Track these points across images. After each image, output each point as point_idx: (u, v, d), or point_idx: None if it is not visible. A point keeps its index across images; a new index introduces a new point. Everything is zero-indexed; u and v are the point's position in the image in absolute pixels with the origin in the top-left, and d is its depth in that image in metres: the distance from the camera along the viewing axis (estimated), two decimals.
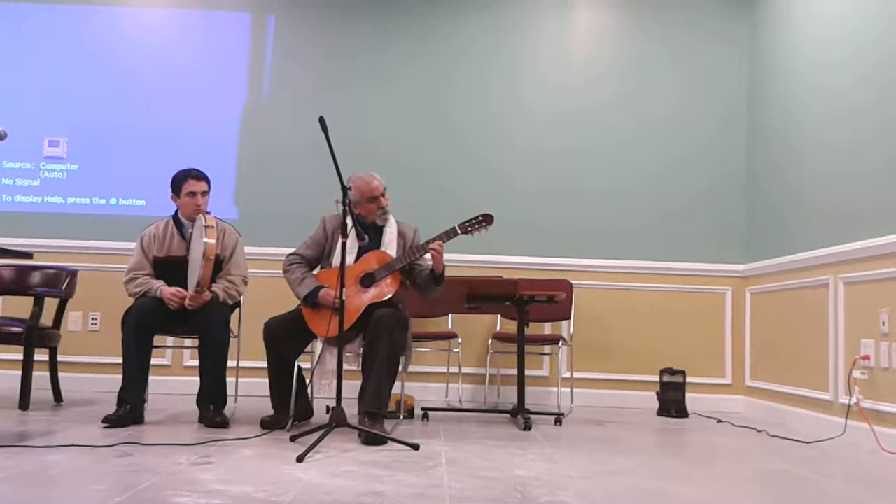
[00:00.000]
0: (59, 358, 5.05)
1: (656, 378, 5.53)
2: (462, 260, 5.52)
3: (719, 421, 5.15)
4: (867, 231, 4.30)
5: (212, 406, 4.14)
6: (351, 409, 3.85)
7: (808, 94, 5.10)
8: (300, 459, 3.18)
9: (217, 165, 5.69)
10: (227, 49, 6.10)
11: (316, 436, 3.47)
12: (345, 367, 3.76)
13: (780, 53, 5.56)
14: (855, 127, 4.52)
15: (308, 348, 4.27)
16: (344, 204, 3.80)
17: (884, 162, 4.21)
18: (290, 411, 4.15)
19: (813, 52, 5.08)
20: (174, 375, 5.64)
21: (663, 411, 5.42)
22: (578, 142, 6.06)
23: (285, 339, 4.13)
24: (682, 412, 5.37)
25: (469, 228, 4.16)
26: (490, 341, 5.66)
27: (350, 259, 4.15)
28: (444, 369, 5.78)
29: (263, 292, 5.23)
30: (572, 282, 5.78)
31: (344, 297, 3.72)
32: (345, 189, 3.80)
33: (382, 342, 3.92)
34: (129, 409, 4.03)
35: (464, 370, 5.75)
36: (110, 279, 5.23)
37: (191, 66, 6.06)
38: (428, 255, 4.14)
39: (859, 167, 4.45)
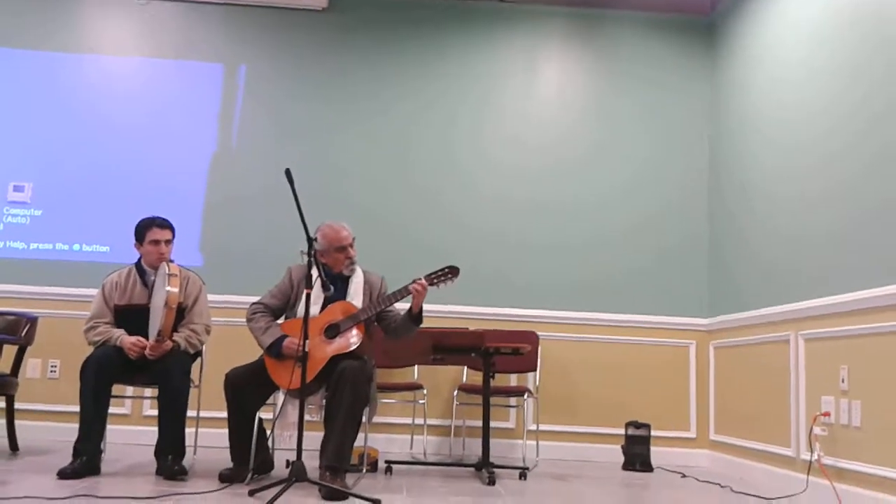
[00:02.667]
0: (17, 405, 4.95)
1: (622, 431, 5.52)
2: (428, 310, 5.48)
3: (683, 476, 5.15)
4: (827, 288, 4.36)
5: (170, 458, 4.06)
6: (313, 462, 3.80)
7: (767, 153, 5.20)
8: None
9: (183, 212, 5.69)
10: (198, 98, 6.11)
11: (275, 490, 3.41)
12: (307, 418, 3.72)
13: (739, 112, 5.68)
14: (813, 185, 4.61)
15: (270, 399, 4.22)
16: (309, 255, 3.80)
17: (841, 220, 4.29)
18: (249, 464, 4.07)
19: (771, 112, 5.19)
20: (133, 425, 5.53)
21: (628, 465, 5.40)
22: (546, 195, 6.12)
23: (247, 389, 4.07)
24: (646, 466, 5.36)
25: (435, 280, 4.18)
26: (456, 392, 5.63)
27: (315, 310, 4.13)
28: (409, 420, 5.73)
29: (226, 340, 5.17)
30: (539, 333, 5.78)
31: (307, 348, 3.69)
32: (310, 240, 3.80)
33: (345, 394, 3.89)
34: (85, 461, 3.95)
35: (429, 422, 5.71)
36: (71, 326, 5.13)
37: (161, 113, 6.06)
38: (398, 305, 4.14)
39: (817, 225, 4.53)
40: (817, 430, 4.29)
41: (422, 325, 4.30)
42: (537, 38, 6.32)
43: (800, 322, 4.62)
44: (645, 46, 6.31)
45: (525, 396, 5.55)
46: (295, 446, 3.67)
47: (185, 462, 4.15)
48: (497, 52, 6.29)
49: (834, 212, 4.38)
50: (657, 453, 5.52)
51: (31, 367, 5.57)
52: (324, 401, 4.08)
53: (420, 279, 4.15)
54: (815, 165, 4.61)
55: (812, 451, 4.30)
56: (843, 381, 4.16)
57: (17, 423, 4.89)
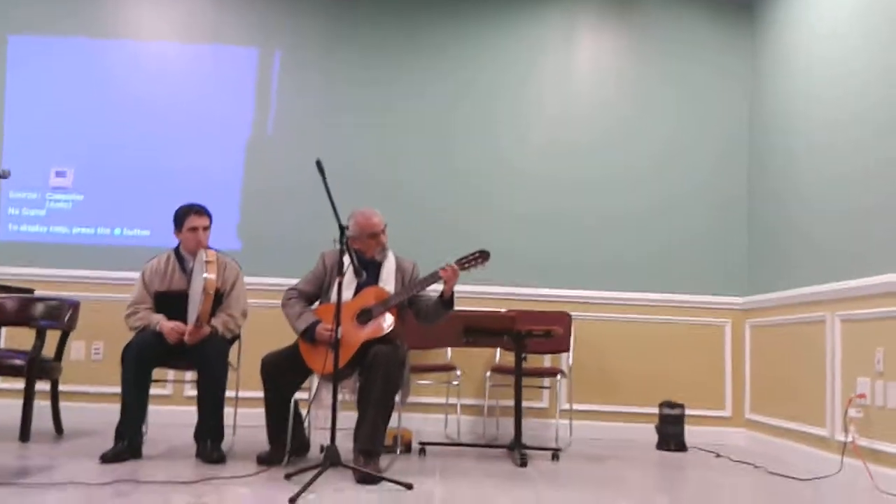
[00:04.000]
0: (61, 387, 5.09)
1: (656, 410, 5.53)
2: (460, 291, 5.49)
3: (718, 455, 5.14)
4: (864, 269, 4.31)
5: (209, 441, 4.16)
6: (348, 444, 3.86)
7: (808, 129, 5.12)
8: (293, 501, 3.20)
9: (221, 197, 5.78)
10: (235, 83, 6.16)
11: (311, 474, 3.49)
12: (341, 398, 3.79)
13: (780, 87, 5.59)
14: (855, 163, 4.54)
15: (306, 382, 4.30)
16: (341, 243, 3.84)
17: (883, 200, 4.22)
18: (286, 447, 4.17)
19: (812, 89, 5.11)
20: (175, 405, 5.65)
21: (662, 445, 5.41)
22: (580, 173, 6.10)
23: (282, 374, 4.16)
24: (681, 446, 5.37)
25: (465, 265, 4.19)
26: (489, 374, 5.67)
27: (348, 294, 4.17)
28: (443, 401, 5.78)
29: (264, 322, 5.24)
30: (571, 313, 5.78)
31: (340, 335, 3.75)
32: (342, 228, 3.84)
33: (378, 379, 3.94)
34: (127, 444, 4.07)
35: (463, 402, 5.75)
36: (114, 309, 5.22)
37: (198, 99, 6.13)
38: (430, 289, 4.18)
39: (858, 204, 4.47)
40: (853, 411, 4.27)
41: (454, 309, 4.32)
42: (573, 15, 6.26)
43: (835, 303, 4.58)
44: (682, 22, 6.22)
45: (558, 377, 5.56)
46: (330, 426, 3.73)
47: (225, 444, 4.25)
48: (533, 30, 6.24)
49: (876, 191, 4.30)
50: (692, 432, 5.52)
51: (75, 349, 5.71)
52: (357, 384, 4.15)
53: (450, 264, 4.17)
54: (859, 142, 4.52)
55: (847, 433, 4.29)
56: (878, 362, 4.12)
57: (61, 404, 5.04)
